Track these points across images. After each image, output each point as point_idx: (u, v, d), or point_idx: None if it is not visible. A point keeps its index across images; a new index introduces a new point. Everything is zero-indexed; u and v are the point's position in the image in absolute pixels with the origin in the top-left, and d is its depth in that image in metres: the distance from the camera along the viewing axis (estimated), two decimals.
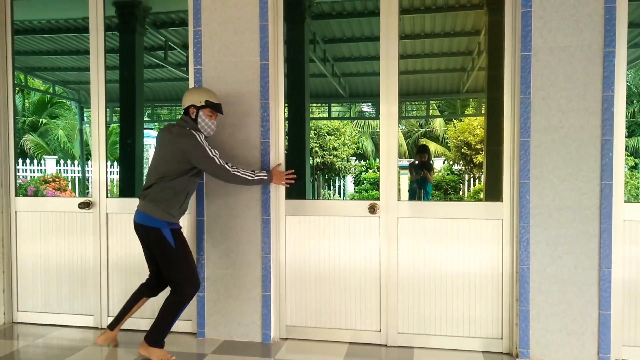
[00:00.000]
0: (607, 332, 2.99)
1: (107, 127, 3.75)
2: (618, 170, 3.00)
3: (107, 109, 3.79)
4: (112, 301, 3.73)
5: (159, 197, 2.98)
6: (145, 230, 3.01)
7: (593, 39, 2.97)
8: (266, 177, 3.17)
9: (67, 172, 12.50)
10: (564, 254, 3.03)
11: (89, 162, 3.91)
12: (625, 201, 3.04)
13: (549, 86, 3.03)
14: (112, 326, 3.26)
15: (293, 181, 3.35)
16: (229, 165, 3.04)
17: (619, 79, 2.97)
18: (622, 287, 3.05)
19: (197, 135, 3.02)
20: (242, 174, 3.07)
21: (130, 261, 3.69)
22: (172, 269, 3.02)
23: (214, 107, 3.09)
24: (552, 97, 3.02)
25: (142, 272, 3.66)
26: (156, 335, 3.06)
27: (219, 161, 3.01)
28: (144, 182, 3.10)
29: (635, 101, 18.40)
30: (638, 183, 11.00)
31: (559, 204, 3.03)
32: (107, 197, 3.71)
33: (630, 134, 18.29)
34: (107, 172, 3.76)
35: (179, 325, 3.61)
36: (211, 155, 2.99)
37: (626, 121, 3.11)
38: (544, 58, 3.03)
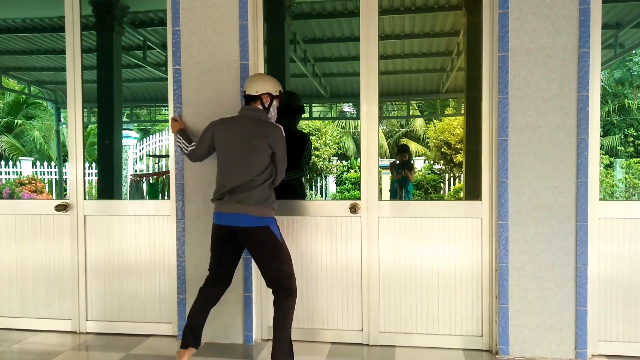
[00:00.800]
0: (584, 327, 3.05)
1: (84, 128, 3.69)
2: (593, 169, 3.06)
3: (85, 110, 3.73)
4: (91, 305, 3.67)
5: (263, 194, 2.85)
6: (250, 231, 2.84)
7: (568, 40, 3.03)
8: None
9: (44, 174, 12.28)
10: (542, 251, 3.08)
11: (66, 163, 3.85)
12: (600, 199, 3.10)
13: (526, 86, 3.07)
14: (197, 344, 2.96)
15: None
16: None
17: (593, 79, 3.03)
18: (597, 284, 3.12)
19: (282, 129, 2.92)
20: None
21: (109, 264, 3.64)
22: (283, 263, 2.89)
23: (282, 101, 3.07)
24: (529, 97, 3.07)
25: (121, 275, 3.62)
26: (285, 347, 2.82)
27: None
28: (224, 181, 2.89)
29: (609, 101, 18.81)
30: (613, 181, 11.25)
31: (537, 202, 3.08)
32: (84, 199, 3.65)
33: (604, 133, 18.68)
34: (84, 173, 3.70)
35: (160, 328, 3.58)
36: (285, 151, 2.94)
37: (601, 120, 3.18)
38: (521, 58, 3.07)
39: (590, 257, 3.06)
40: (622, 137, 18.80)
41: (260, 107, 2.96)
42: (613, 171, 12.49)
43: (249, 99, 2.97)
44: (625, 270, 3.11)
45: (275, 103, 3.02)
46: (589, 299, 3.07)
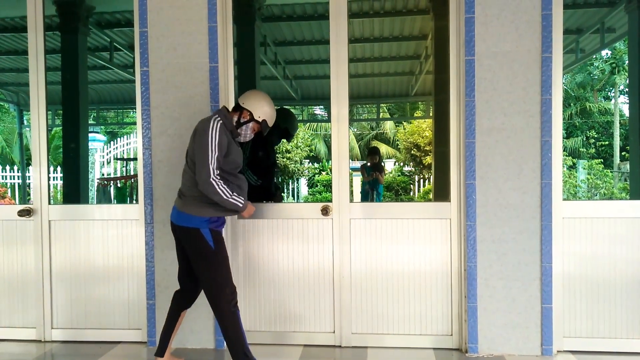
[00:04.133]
0: (549, 324, 3.14)
1: (48, 131, 3.60)
2: (557, 170, 3.15)
3: (49, 112, 3.64)
4: (56, 312, 3.57)
5: (193, 188, 2.79)
6: (178, 229, 2.81)
7: (532, 45, 3.12)
8: (241, 205, 2.76)
9: (6, 179, 11.90)
10: (508, 250, 3.16)
11: (30, 167, 3.75)
12: (563, 199, 3.20)
13: (492, 89, 3.15)
14: (161, 352, 2.94)
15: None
16: (215, 174, 2.66)
17: (556, 82, 3.13)
18: (562, 282, 3.21)
19: (215, 124, 2.70)
20: (220, 186, 2.65)
21: (76, 270, 3.55)
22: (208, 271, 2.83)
23: (264, 129, 2.94)
24: (495, 100, 3.15)
25: (87, 281, 3.54)
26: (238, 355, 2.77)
27: (211, 162, 2.64)
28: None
29: (571, 104, 19.41)
30: (575, 182, 11.60)
31: (503, 203, 3.15)
32: (49, 203, 3.56)
33: (567, 135, 19.27)
34: (49, 177, 3.60)
35: (129, 334, 3.51)
36: (210, 150, 2.65)
37: (563, 123, 3.28)
38: (486, 62, 3.15)
39: (554, 256, 3.15)
40: (584, 139, 19.45)
41: (235, 117, 2.86)
42: (576, 172, 12.88)
43: (235, 106, 2.93)
44: (588, 268, 3.21)
45: (252, 126, 2.88)
46: (554, 297, 3.15)
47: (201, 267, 2.77)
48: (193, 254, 2.79)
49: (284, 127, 4.12)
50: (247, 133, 2.91)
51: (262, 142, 3.54)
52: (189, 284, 2.95)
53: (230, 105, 3.37)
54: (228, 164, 2.76)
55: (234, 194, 2.72)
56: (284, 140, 5.12)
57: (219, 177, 2.67)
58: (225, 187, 2.68)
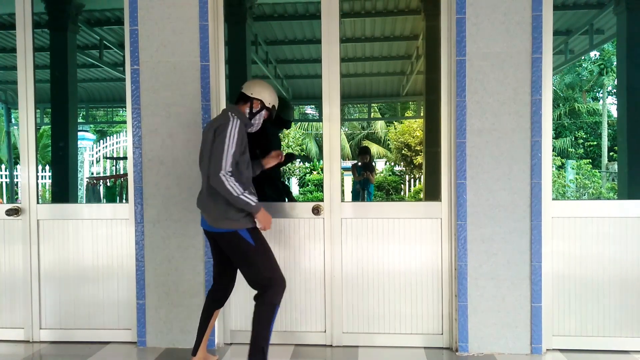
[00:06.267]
0: (539, 323, 3.16)
1: (37, 129, 3.56)
2: (546, 170, 3.17)
3: (37, 110, 3.60)
4: (45, 312, 3.54)
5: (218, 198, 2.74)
6: (217, 235, 2.77)
7: (522, 46, 3.14)
8: (254, 204, 2.66)
9: None
10: (498, 250, 3.18)
11: (18, 166, 3.70)
12: (553, 199, 3.23)
13: (483, 90, 3.16)
14: (194, 351, 2.94)
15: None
16: (226, 170, 2.60)
17: (545, 83, 3.15)
18: (551, 281, 3.23)
19: (235, 121, 2.67)
20: (230, 183, 2.58)
21: (65, 269, 3.51)
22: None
23: (273, 115, 2.95)
24: (486, 100, 3.16)
25: (77, 281, 3.50)
26: (257, 353, 2.72)
27: (225, 157, 2.59)
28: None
29: (560, 104, 19.59)
30: (564, 182, 11.69)
31: (493, 203, 3.17)
32: (37, 203, 3.52)
33: (556, 136, 19.43)
34: (37, 176, 3.56)
35: (119, 334, 3.48)
36: (227, 145, 2.60)
37: (553, 123, 3.30)
38: (477, 63, 3.16)
39: (544, 255, 3.17)
40: (573, 139, 19.61)
41: (246, 109, 2.85)
42: (564, 172, 12.99)
43: (239, 99, 2.89)
44: (577, 267, 3.24)
45: (263, 114, 2.89)
46: (543, 296, 3.18)
47: (247, 267, 2.75)
48: (235, 256, 2.76)
49: (282, 114, 4.07)
50: (260, 122, 2.93)
51: (265, 134, 3.48)
52: (221, 282, 2.93)
53: (221, 103, 3.36)
54: (244, 162, 2.74)
55: (246, 192, 2.64)
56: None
57: (230, 174, 2.59)
58: (236, 184, 2.60)
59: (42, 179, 10.54)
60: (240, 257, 2.75)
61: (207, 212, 2.74)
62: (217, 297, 2.95)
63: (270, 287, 2.72)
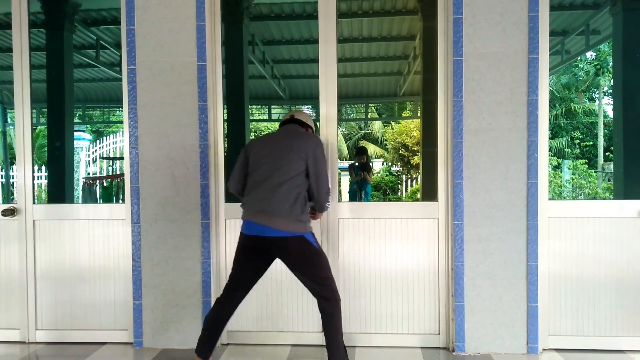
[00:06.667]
0: (535, 323, 3.17)
1: (33, 129, 3.55)
2: (543, 170, 3.18)
3: (34, 110, 3.58)
4: (41, 313, 3.53)
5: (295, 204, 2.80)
6: (280, 241, 2.75)
7: (519, 46, 3.14)
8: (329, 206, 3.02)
9: None
10: (495, 250, 3.18)
11: (14, 166, 3.69)
12: (549, 199, 3.24)
13: (479, 90, 3.17)
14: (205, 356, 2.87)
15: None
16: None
17: (542, 83, 3.16)
18: (547, 280, 3.24)
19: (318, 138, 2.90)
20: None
21: (61, 270, 3.50)
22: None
23: None
24: (483, 100, 3.17)
25: (73, 282, 3.49)
26: (339, 351, 2.75)
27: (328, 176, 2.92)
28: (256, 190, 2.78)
29: (557, 105, 19.64)
30: (560, 182, 11.73)
31: (490, 203, 3.18)
32: (34, 203, 3.51)
33: (553, 136, 19.49)
34: (33, 176, 3.55)
35: (115, 335, 3.48)
36: (325, 167, 2.86)
37: (549, 123, 3.31)
38: (474, 63, 3.17)
39: (540, 255, 3.18)
40: (569, 139, 19.67)
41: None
42: (561, 172, 13.03)
43: (298, 124, 2.99)
44: (573, 266, 3.25)
45: None
46: (540, 296, 3.18)
47: (313, 270, 2.76)
48: (301, 260, 2.75)
49: None
50: None
51: None
52: (234, 297, 2.83)
53: (218, 103, 3.35)
54: None
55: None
56: None
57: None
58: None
59: (38, 179, 10.51)
60: (309, 261, 2.76)
61: (281, 217, 2.68)
62: (231, 309, 2.84)
63: (329, 287, 2.77)
